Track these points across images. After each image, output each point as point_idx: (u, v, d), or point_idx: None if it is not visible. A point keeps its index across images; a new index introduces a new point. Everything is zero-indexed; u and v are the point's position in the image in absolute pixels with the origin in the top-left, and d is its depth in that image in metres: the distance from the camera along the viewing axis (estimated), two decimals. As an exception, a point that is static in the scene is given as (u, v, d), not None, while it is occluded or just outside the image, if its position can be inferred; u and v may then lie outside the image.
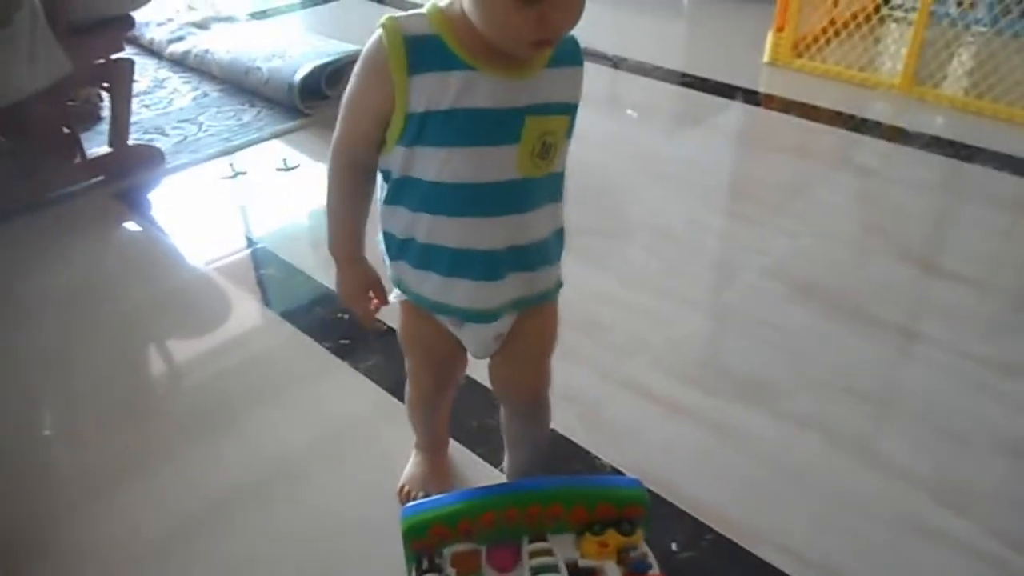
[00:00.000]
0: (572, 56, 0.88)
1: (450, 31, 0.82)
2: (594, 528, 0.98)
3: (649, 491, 1.22)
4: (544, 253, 0.96)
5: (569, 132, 0.91)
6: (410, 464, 1.26)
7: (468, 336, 1.01)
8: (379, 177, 0.93)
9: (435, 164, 0.86)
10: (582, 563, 0.96)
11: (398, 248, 0.94)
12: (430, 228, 0.90)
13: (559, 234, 0.97)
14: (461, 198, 0.87)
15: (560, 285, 1.01)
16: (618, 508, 1.00)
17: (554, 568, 0.94)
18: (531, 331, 1.01)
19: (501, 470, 1.27)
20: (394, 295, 1.00)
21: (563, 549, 0.97)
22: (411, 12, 0.85)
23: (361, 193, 0.93)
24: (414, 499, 1.17)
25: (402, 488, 1.23)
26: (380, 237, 0.97)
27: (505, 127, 0.85)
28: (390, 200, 0.91)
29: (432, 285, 0.94)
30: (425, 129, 0.84)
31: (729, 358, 1.55)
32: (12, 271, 1.82)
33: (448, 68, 0.82)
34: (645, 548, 0.99)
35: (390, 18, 0.84)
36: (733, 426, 1.36)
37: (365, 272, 0.98)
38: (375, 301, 1.00)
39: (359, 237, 0.96)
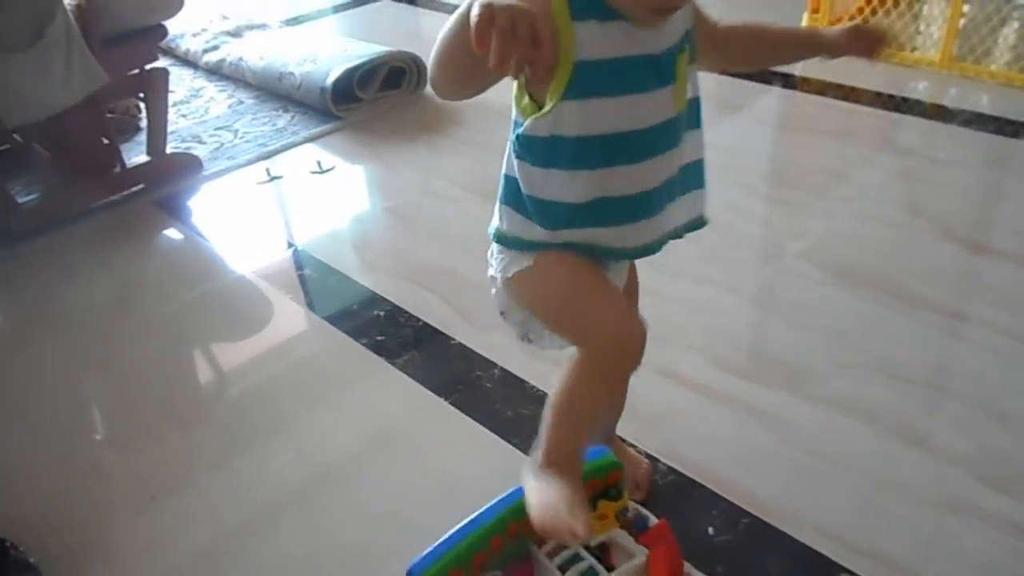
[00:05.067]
0: None
1: None
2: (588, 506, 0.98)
3: (685, 476, 1.22)
4: (695, 177, 0.95)
5: (692, 58, 0.90)
6: (541, 492, 0.88)
7: (616, 280, 0.97)
8: (514, 148, 0.88)
9: (609, 115, 0.83)
10: (593, 542, 0.96)
11: (565, 215, 0.88)
12: (606, 181, 0.86)
13: (703, 163, 0.96)
14: (636, 144, 0.86)
15: (697, 222, 0.99)
16: (602, 479, 1.01)
17: (578, 556, 0.94)
18: (631, 284, 1.04)
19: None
20: (525, 263, 0.93)
21: None
22: None
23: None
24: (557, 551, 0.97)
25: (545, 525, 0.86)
26: (510, 208, 0.93)
27: (665, 70, 0.85)
28: (566, 164, 0.85)
29: (605, 235, 0.90)
30: (592, 79, 0.82)
31: (769, 343, 1.52)
32: (58, 280, 1.87)
33: (606, 18, 0.81)
34: (635, 505, 1.02)
35: None
36: (772, 411, 1.34)
37: None
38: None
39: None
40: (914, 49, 2.69)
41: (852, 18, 2.78)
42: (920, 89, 2.52)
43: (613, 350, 0.90)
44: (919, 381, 1.39)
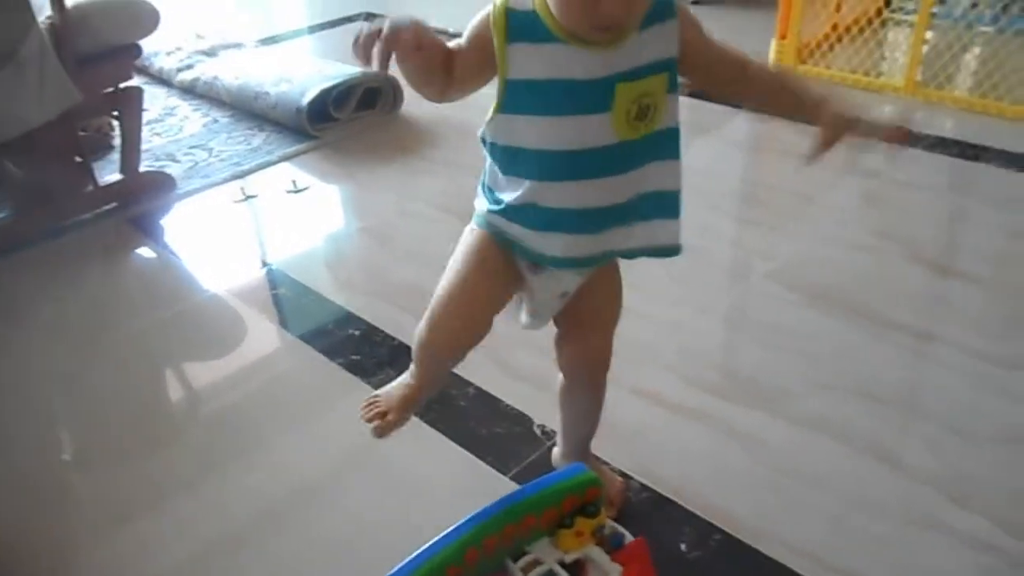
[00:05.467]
0: (664, 10, 0.88)
1: (544, 8, 0.85)
2: (564, 522, 0.99)
3: (658, 493, 1.24)
4: (648, 209, 0.95)
5: (672, 87, 0.90)
6: (396, 383, 1.09)
7: (538, 286, 1.01)
8: (484, 149, 0.95)
9: (535, 132, 0.89)
10: (568, 559, 0.97)
11: (499, 206, 0.96)
12: (535, 192, 0.92)
13: (669, 195, 0.96)
14: (562, 164, 0.90)
15: (667, 250, 0.99)
16: (580, 496, 1.01)
17: (552, 573, 0.95)
18: (599, 291, 1.03)
19: (511, 478, 1.28)
20: (472, 225, 1.01)
21: (546, 553, 0.98)
22: None
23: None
24: (373, 413, 1.07)
25: (374, 400, 1.08)
26: (481, 189, 1.00)
27: (595, 96, 0.87)
28: (505, 171, 0.94)
29: (527, 236, 0.95)
30: (522, 97, 0.88)
31: (741, 363, 1.54)
32: (29, 297, 1.85)
33: (541, 40, 0.86)
34: (612, 523, 1.02)
35: None
36: (745, 430, 1.36)
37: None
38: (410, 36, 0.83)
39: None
40: (879, 75, 2.76)
41: (819, 44, 2.85)
42: (885, 114, 2.58)
43: (423, 329, 1.04)
44: (889, 401, 1.42)
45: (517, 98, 0.88)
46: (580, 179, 0.90)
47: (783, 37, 2.84)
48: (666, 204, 0.96)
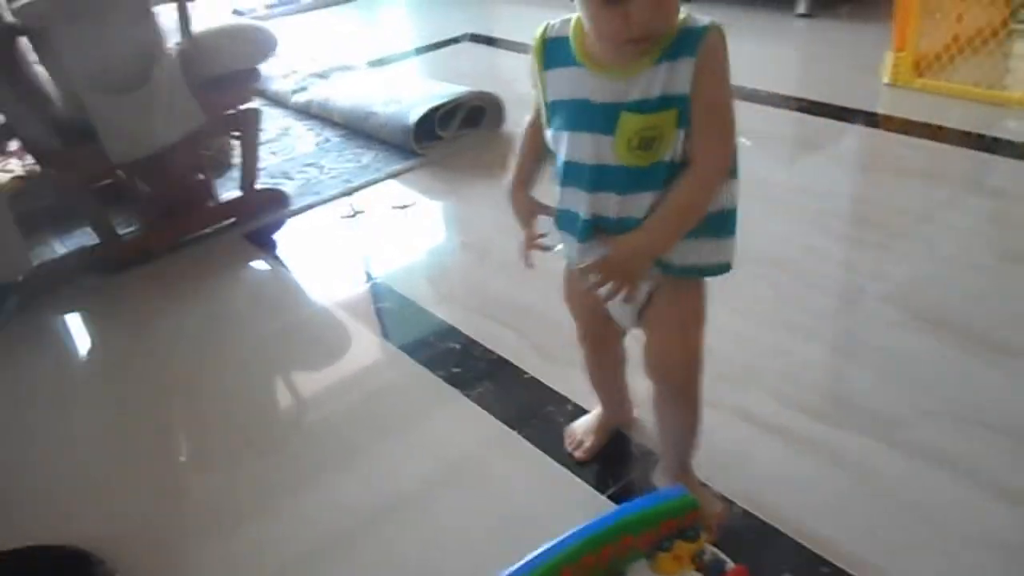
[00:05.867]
0: (688, 47, 0.90)
1: (578, 32, 0.96)
2: (663, 545, 0.98)
3: (761, 521, 1.20)
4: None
5: (682, 122, 0.92)
6: (590, 412, 1.40)
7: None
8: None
9: (564, 144, 0.99)
10: None
11: (557, 218, 1.07)
12: (565, 198, 1.03)
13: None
14: (574, 174, 0.99)
15: (690, 270, 1.03)
16: (679, 519, 0.99)
17: None
18: (658, 301, 1.08)
19: (608, 497, 1.26)
20: (556, 249, 1.11)
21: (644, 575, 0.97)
22: (569, 15, 0.98)
23: (531, 144, 1.10)
24: (571, 442, 1.36)
25: (570, 431, 1.38)
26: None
27: (602, 119, 0.94)
28: (559, 182, 1.04)
29: (569, 247, 1.07)
30: (555, 115, 1.00)
31: (850, 388, 1.49)
32: (152, 306, 1.97)
33: (568, 64, 0.96)
34: (713, 548, 1.01)
35: (548, 22, 1.01)
36: (853, 458, 1.31)
37: (524, 199, 1.12)
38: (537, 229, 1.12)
39: (523, 177, 1.12)
40: (1004, 88, 2.61)
41: (939, 56, 2.72)
42: (1011, 128, 2.44)
43: (582, 350, 1.28)
44: (1008, 433, 1.33)
45: (555, 116, 1.00)
46: (584, 190, 0.99)
47: (900, 49, 2.73)
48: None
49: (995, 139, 2.36)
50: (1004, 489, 1.23)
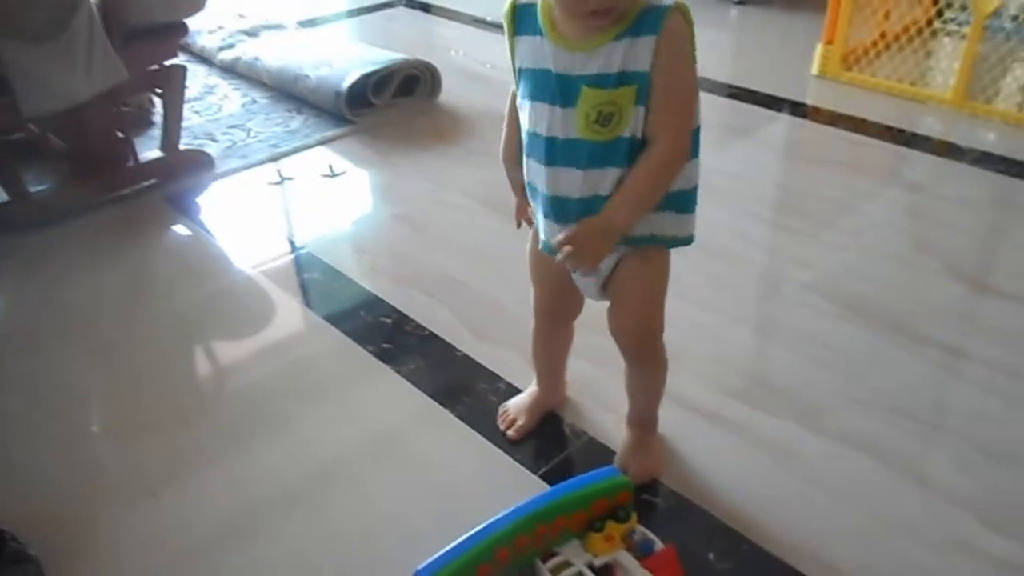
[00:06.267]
0: (652, 24, 0.91)
1: (545, 2, 0.96)
2: (595, 526, 0.99)
3: (687, 500, 1.23)
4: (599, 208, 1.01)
5: (641, 99, 0.93)
6: (523, 393, 1.40)
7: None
8: None
9: (525, 115, 1.01)
10: (597, 562, 0.98)
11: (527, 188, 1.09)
12: (528, 170, 1.05)
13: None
14: (535, 145, 1.01)
15: (653, 239, 1.06)
16: (611, 500, 1.01)
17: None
18: (622, 273, 1.10)
19: (540, 476, 1.27)
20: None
21: (576, 555, 0.98)
22: None
23: (515, 116, 1.08)
24: (504, 421, 1.36)
25: (504, 410, 1.37)
26: None
27: (563, 91, 0.95)
28: (524, 151, 1.06)
29: (536, 219, 1.09)
30: (522, 83, 1.01)
31: (773, 372, 1.53)
32: (67, 270, 1.87)
33: (534, 33, 0.97)
34: (642, 528, 1.03)
35: None
36: (776, 440, 1.35)
37: (513, 172, 1.13)
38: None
39: (512, 149, 1.11)
40: (926, 85, 2.71)
41: (866, 51, 2.80)
42: (930, 125, 2.54)
43: (536, 319, 1.29)
44: (923, 418, 1.40)
45: (522, 84, 1.01)
46: (545, 164, 1.00)
47: (829, 42, 2.81)
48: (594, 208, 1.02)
49: (914, 134, 2.46)
50: (918, 473, 1.29)
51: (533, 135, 1.01)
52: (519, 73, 1.01)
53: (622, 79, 0.92)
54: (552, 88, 0.96)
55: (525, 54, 0.99)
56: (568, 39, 0.94)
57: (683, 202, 1.05)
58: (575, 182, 0.99)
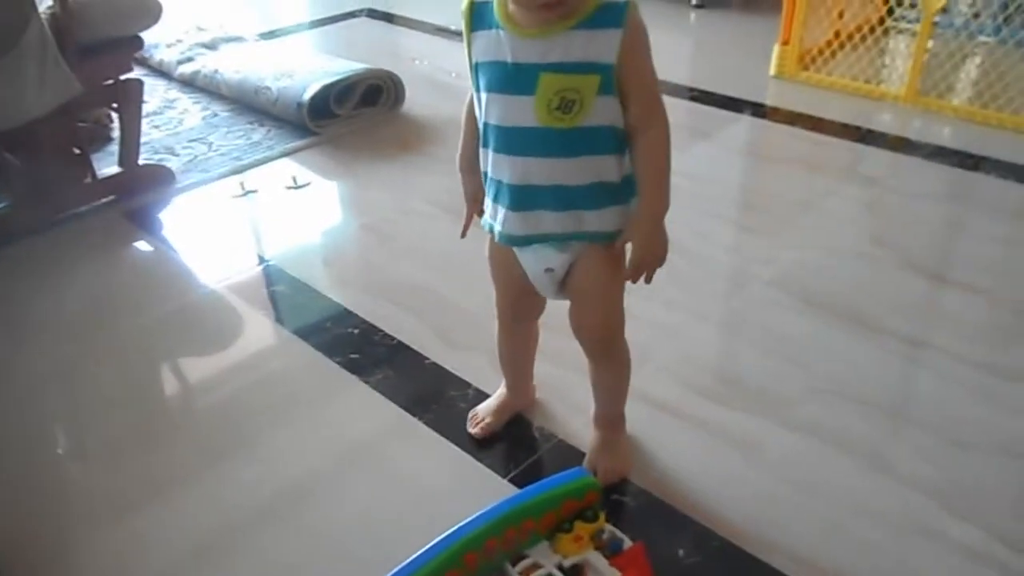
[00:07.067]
0: (613, 19, 0.95)
1: None
2: (563, 527, 1.00)
3: (655, 498, 1.24)
4: (575, 198, 1.04)
5: (605, 90, 0.97)
6: (493, 395, 1.41)
7: (524, 261, 1.13)
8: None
9: (483, 107, 1.03)
10: (567, 563, 0.98)
11: (486, 181, 1.10)
12: (489, 163, 1.06)
13: (601, 186, 1.04)
14: (496, 137, 1.03)
15: (610, 235, 1.08)
16: (579, 500, 1.01)
17: None
18: (579, 271, 1.11)
19: (509, 480, 1.28)
20: (483, 221, 1.15)
21: (545, 557, 0.98)
22: None
23: (472, 123, 1.11)
24: (475, 423, 1.36)
25: (473, 414, 1.38)
26: None
27: (521, 80, 0.98)
28: (481, 143, 1.08)
29: (489, 210, 1.11)
30: (479, 77, 1.02)
31: (737, 368, 1.55)
32: (24, 290, 1.84)
33: (490, 27, 1.00)
34: (611, 528, 1.03)
35: None
36: (742, 436, 1.36)
37: (470, 181, 1.16)
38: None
39: (468, 155, 1.14)
40: (880, 83, 2.76)
41: (821, 51, 2.85)
42: (885, 122, 2.59)
43: (499, 319, 1.29)
44: (886, 409, 1.42)
45: (477, 78, 1.03)
46: (507, 154, 1.03)
47: (786, 43, 2.85)
48: (602, 193, 1.05)
49: (870, 131, 2.50)
50: (882, 463, 1.31)
51: (492, 127, 1.03)
52: (476, 68, 1.03)
53: (584, 67, 0.95)
54: (509, 78, 0.98)
55: (481, 49, 1.01)
56: (526, 30, 0.96)
57: (630, 191, 1.07)
58: (542, 171, 1.02)
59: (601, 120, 0.99)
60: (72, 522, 1.26)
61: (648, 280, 1.08)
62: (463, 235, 1.21)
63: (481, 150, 1.08)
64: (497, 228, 1.10)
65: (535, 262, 1.12)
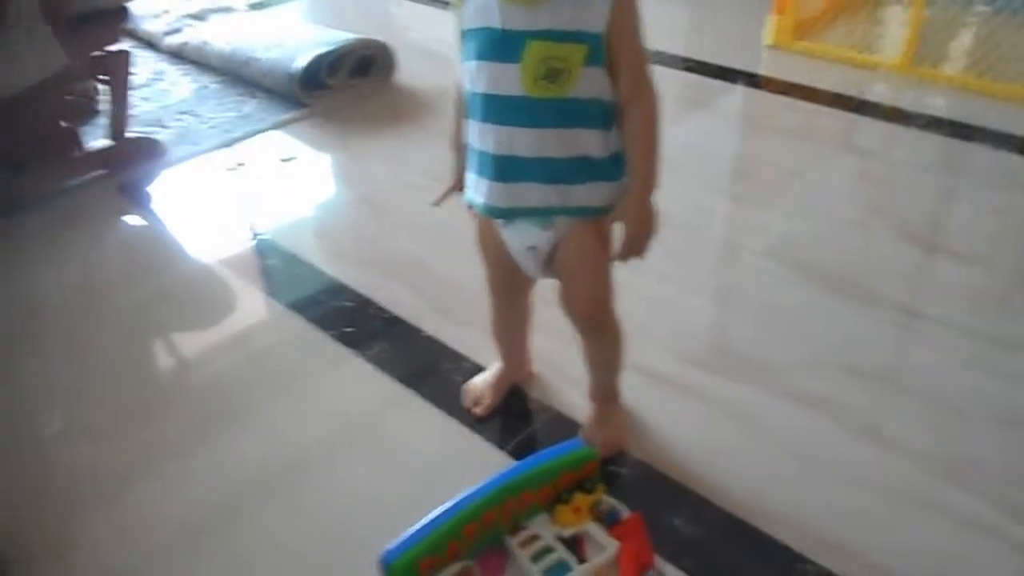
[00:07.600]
0: None
1: None
2: (562, 498, 1.00)
3: (652, 469, 1.25)
4: (560, 171, 1.03)
5: (593, 60, 0.96)
6: (487, 371, 1.40)
7: (507, 239, 1.13)
8: None
9: (469, 74, 1.02)
10: (566, 534, 0.99)
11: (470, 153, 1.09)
12: (473, 132, 1.05)
13: (586, 161, 1.03)
14: (483, 105, 1.01)
15: (597, 211, 1.07)
16: (577, 472, 1.02)
17: (550, 548, 0.96)
18: (565, 249, 1.10)
19: (507, 452, 1.28)
20: (467, 196, 1.13)
21: (544, 528, 0.99)
22: None
23: (461, 98, 1.09)
24: (469, 399, 1.35)
25: (469, 388, 1.37)
26: None
27: (509, 47, 0.96)
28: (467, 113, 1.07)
29: (470, 183, 1.10)
30: (467, 44, 1.01)
31: (733, 339, 1.55)
32: (15, 266, 1.82)
33: None
34: (609, 499, 1.05)
35: None
36: (738, 407, 1.37)
37: (463, 160, 1.13)
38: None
39: (457, 131, 1.14)
40: (875, 52, 2.75)
41: (816, 20, 2.83)
42: (879, 91, 2.57)
43: (490, 296, 1.29)
44: (882, 379, 1.43)
45: (466, 46, 1.02)
46: (493, 123, 1.01)
47: (781, 12, 2.82)
48: (587, 168, 1.04)
49: (864, 101, 2.49)
50: (880, 433, 1.32)
51: (477, 95, 1.01)
52: (463, 36, 1.02)
53: (571, 36, 0.95)
54: (497, 44, 0.97)
55: (470, 15, 1.00)
56: None
57: (617, 168, 1.06)
58: (527, 141, 1.00)
59: (588, 92, 0.98)
60: (69, 497, 1.26)
61: (641, 256, 1.07)
62: (436, 203, 1.21)
63: (468, 123, 1.07)
64: (481, 200, 1.08)
65: (518, 240, 1.12)
